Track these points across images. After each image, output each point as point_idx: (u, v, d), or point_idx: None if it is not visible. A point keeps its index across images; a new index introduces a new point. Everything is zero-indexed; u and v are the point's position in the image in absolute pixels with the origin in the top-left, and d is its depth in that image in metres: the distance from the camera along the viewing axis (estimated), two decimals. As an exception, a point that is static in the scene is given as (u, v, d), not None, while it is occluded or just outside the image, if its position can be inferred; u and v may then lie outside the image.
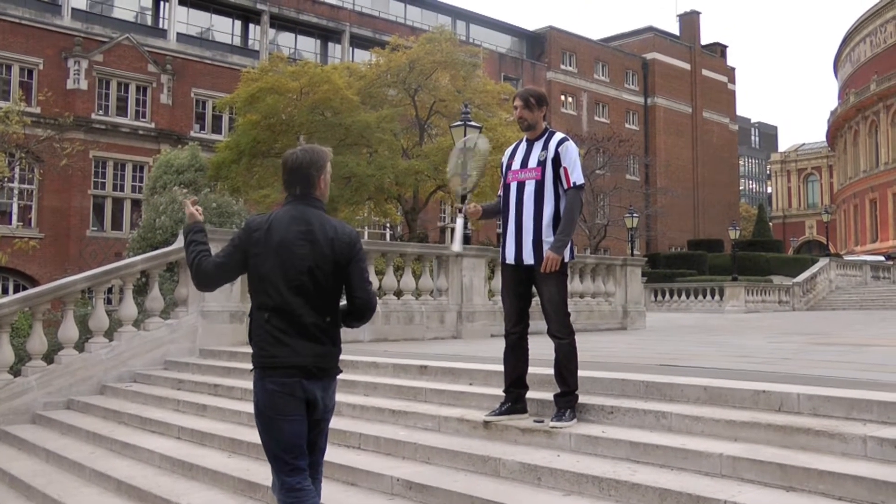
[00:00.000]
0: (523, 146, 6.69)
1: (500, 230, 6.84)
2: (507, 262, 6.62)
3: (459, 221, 6.67)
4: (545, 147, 6.54)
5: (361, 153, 30.78)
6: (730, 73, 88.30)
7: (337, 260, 4.57)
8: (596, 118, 71.70)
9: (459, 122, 20.79)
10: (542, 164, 6.50)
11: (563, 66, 70.27)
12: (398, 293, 15.02)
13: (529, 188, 6.50)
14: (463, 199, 6.75)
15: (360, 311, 4.66)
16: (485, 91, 34.22)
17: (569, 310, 6.56)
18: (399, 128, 31.42)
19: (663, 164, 74.79)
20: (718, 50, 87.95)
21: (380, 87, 32.82)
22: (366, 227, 42.16)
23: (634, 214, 47.88)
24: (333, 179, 28.10)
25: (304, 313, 4.48)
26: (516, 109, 6.59)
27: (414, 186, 31.31)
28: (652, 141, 76.76)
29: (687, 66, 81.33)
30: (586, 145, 53.01)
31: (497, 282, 16.53)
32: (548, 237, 6.44)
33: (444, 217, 53.88)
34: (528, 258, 6.48)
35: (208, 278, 4.72)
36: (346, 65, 35.54)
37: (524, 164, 6.60)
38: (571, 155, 6.54)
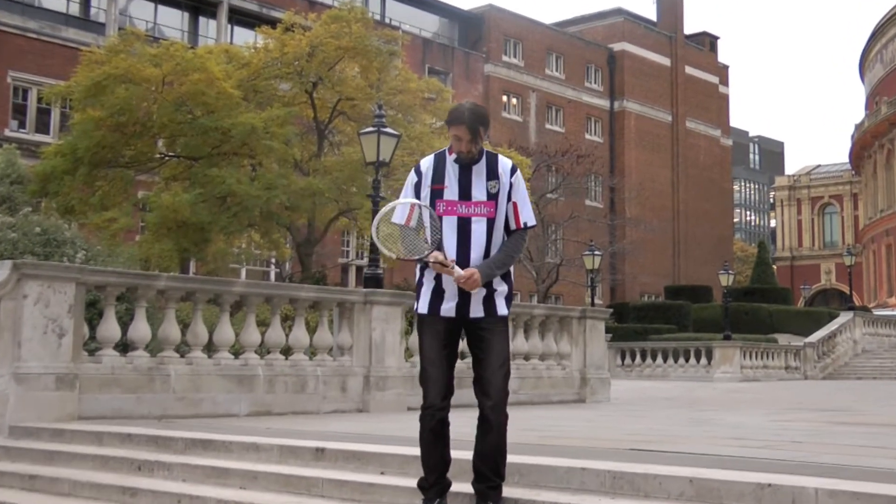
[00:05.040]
0: (453, 168, 6.72)
1: (418, 275, 6.80)
2: (444, 315, 6.68)
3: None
4: (492, 175, 6.68)
5: (242, 165, 30.58)
6: (722, 71, 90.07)
7: None
8: (548, 125, 72.50)
9: (371, 129, 20.73)
10: (493, 197, 6.66)
11: (505, 58, 71.00)
12: (286, 351, 14.88)
13: (479, 228, 6.63)
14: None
15: None
16: (405, 89, 34.33)
17: None
18: (293, 133, 31.31)
19: (634, 186, 75.66)
20: (707, 42, 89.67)
21: (268, 79, 32.73)
22: (243, 264, 41.78)
23: (596, 252, 48.18)
24: (205, 199, 27.90)
25: None
26: (459, 141, 6.63)
27: (310, 211, 31.17)
28: (620, 157, 77.82)
29: (666, 62, 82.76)
30: (535, 161, 53.25)
31: (417, 338, 16.44)
32: (500, 286, 6.69)
33: (348, 252, 53.73)
34: (477, 310, 6.65)
35: None
36: (223, 47, 35.38)
37: (465, 194, 6.65)
38: (523, 188, 6.80)
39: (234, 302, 14.50)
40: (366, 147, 20.77)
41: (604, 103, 78.11)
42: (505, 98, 70.37)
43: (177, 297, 13.70)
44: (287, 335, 14.83)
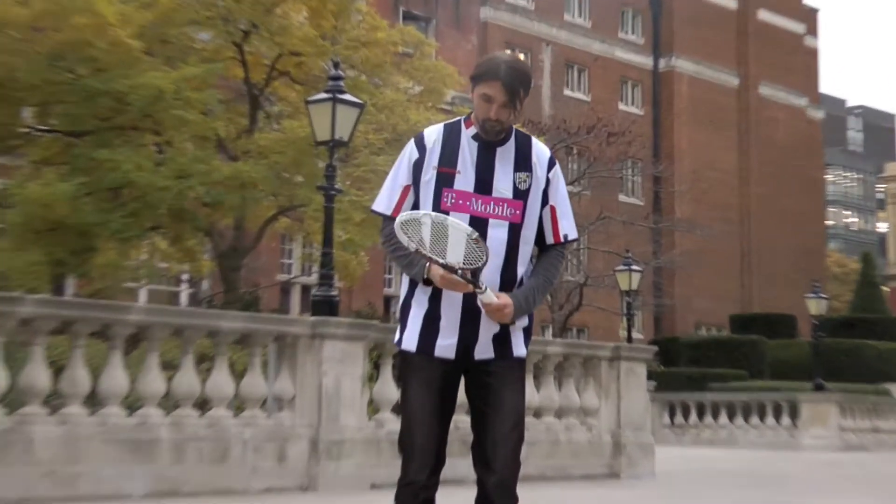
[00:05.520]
0: (470, 146, 6.62)
1: (405, 293, 6.67)
2: (440, 355, 6.57)
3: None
4: (523, 164, 6.62)
5: (144, 145, 30.44)
6: (809, 16, 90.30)
7: None
8: (567, 91, 72.62)
9: (324, 95, 20.63)
10: (522, 196, 6.57)
11: (510, -1, 71.16)
12: (202, 404, 14.78)
13: (498, 235, 6.51)
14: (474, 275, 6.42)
15: None
16: (372, 40, 34.23)
17: None
18: (215, 100, 31.17)
19: (687, 176, 75.62)
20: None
21: (181, 26, 32.56)
22: (144, 283, 41.46)
23: (634, 267, 48.14)
24: (90, 191, 27.70)
25: None
26: (488, 104, 6.49)
27: (238, 209, 31.02)
28: (667, 135, 78.00)
29: (732, 3, 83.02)
30: (549, 140, 52.94)
31: (386, 386, 16.37)
32: (519, 318, 6.56)
33: (290, 265, 53.67)
34: (486, 350, 6.56)
35: None
36: (119, -21, 35.23)
37: (484, 185, 6.56)
38: (564, 188, 6.76)
39: (129, 336, 14.41)
40: (315, 120, 20.68)
41: (645, 61, 78.32)
42: (508, 53, 70.25)
43: (47, 329, 13.61)
44: (203, 382, 14.76)
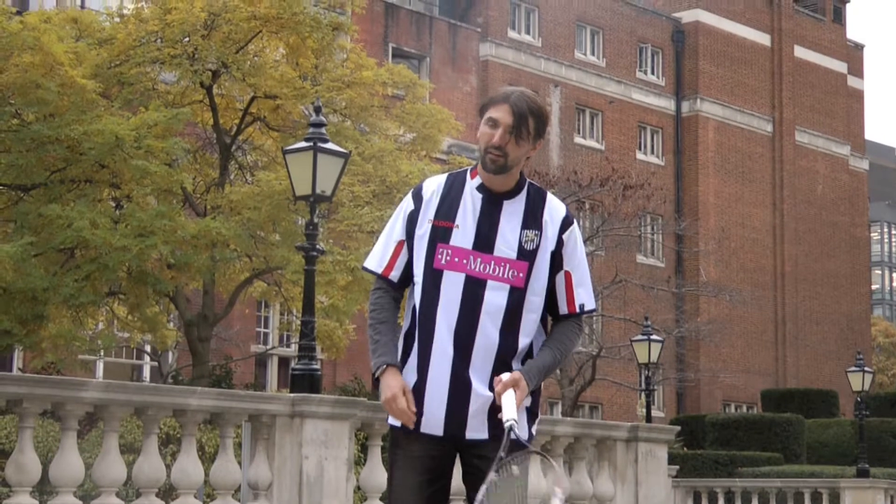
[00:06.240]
0: (474, 198, 6.67)
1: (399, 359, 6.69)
2: (426, 431, 6.60)
3: None
4: (532, 220, 6.65)
5: (100, 199, 30.37)
6: (853, 54, 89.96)
7: None
8: (578, 139, 72.45)
9: (305, 143, 20.66)
10: (528, 256, 6.58)
11: (513, 34, 71.15)
12: (168, 492, 14.78)
13: (496, 300, 6.53)
14: None
15: None
16: (357, 80, 34.23)
17: None
18: (181, 149, 31.13)
19: (714, 234, 75.38)
20: (829, 7, 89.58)
21: (142, 65, 32.56)
22: (100, 356, 41.43)
23: (654, 337, 47.97)
24: (39, 251, 27.54)
25: None
26: (491, 128, 6.54)
27: (207, 271, 30.98)
28: (691, 188, 77.74)
29: (765, 39, 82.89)
30: (558, 193, 52.76)
31: (374, 471, 16.37)
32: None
33: (266, 335, 53.52)
34: (478, 430, 6.56)
35: None
36: (70, 14, 35.24)
37: (485, 241, 6.59)
38: (581, 250, 6.77)
39: (84, 415, 14.39)
40: (294, 172, 20.70)
41: (666, 104, 78.17)
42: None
43: (-8, 408, 13.60)
44: (169, 467, 14.73)
